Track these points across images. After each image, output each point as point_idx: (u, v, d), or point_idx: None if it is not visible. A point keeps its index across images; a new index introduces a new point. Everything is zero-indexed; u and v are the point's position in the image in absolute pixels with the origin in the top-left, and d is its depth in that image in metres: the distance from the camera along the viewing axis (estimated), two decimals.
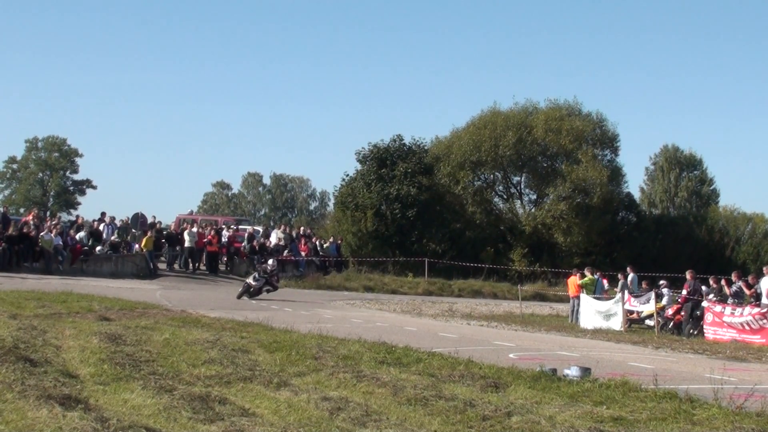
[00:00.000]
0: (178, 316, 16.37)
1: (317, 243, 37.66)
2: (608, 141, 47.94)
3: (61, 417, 6.50)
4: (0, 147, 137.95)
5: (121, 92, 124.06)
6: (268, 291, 25.33)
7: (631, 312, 21.64)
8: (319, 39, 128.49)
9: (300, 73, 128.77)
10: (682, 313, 20.72)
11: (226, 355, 10.83)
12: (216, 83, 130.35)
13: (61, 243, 29.02)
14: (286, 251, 35.16)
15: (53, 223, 31.22)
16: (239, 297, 24.11)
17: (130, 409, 7.33)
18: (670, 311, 21.23)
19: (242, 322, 15.69)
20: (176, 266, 32.71)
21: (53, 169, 79.26)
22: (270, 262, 26.56)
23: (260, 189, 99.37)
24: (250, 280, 25.12)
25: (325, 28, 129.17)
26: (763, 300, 18.78)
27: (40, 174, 79.53)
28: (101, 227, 31.82)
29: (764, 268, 20.38)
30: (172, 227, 35.58)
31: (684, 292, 21.00)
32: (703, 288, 21.55)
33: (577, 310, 23.01)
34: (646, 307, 21.24)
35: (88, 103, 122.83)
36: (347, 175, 44.53)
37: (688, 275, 21.46)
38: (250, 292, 24.61)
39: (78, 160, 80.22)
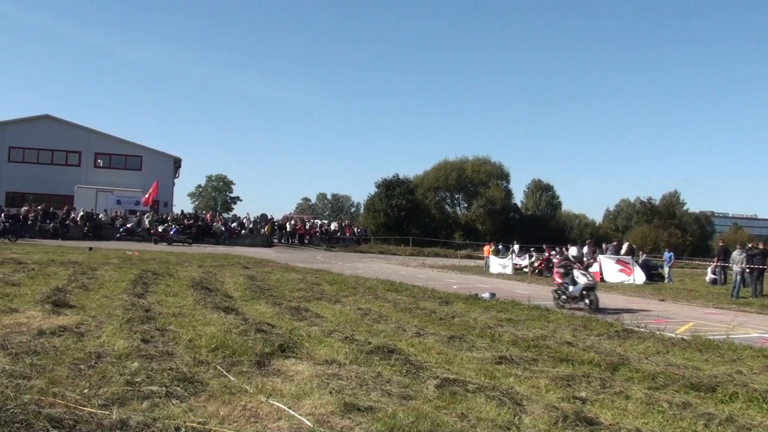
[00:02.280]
0: (283, 266, 16.32)
1: (355, 229, 37.50)
2: (504, 176, 47.53)
3: (224, 317, 6.52)
4: (192, 179, 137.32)
5: (260, 148, 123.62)
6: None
7: (517, 265, 21.51)
8: (355, 122, 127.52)
9: (349, 134, 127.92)
10: (541, 265, 20.53)
11: (308, 286, 10.82)
12: (307, 136, 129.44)
13: (223, 228, 29.03)
14: (339, 233, 35.10)
15: (221, 218, 31.24)
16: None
17: (260, 314, 7.31)
18: (536, 264, 21.04)
19: (316, 269, 15.64)
20: (282, 241, 32.61)
21: (219, 191, 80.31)
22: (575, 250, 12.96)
23: (325, 201, 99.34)
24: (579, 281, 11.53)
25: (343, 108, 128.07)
26: (571, 253, 18.47)
27: (213, 193, 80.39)
28: (244, 221, 31.79)
29: (585, 241, 20.13)
30: (281, 220, 35.55)
31: (546, 254, 20.90)
32: (553, 253, 21.32)
33: (488, 264, 22.85)
34: (524, 261, 21.05)
35: (240, 153, 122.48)
36: (370, 194, 44.29)
37: (544, 247, 21.43)
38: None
39: (233, 185, 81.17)
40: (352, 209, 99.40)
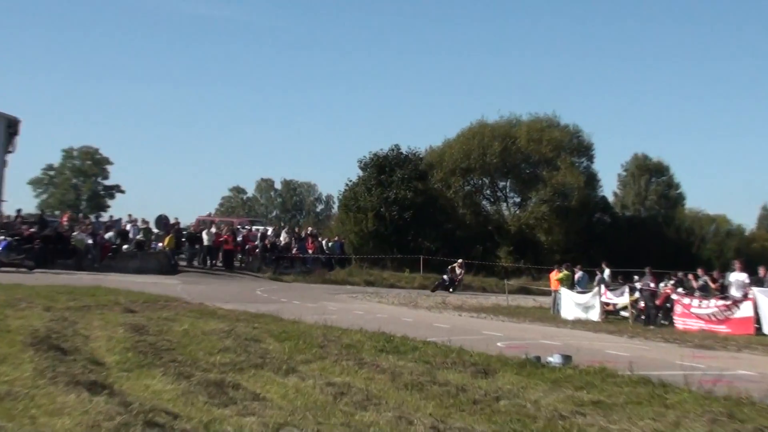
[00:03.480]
0: (196, 308, 16.26)
1: (323, 242, 37.54)
2: (584, 150, 47.99)
3: (87, 401, 6.39)
4: (38, 156, 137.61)
5: (147, 104, 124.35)
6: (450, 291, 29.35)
7: (608, 304, 21.56)
8: (324, 60, 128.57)
9: (310, 85, 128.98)
10: (642, 303, 20.66)
11: (240, 343, 10.73)
12: (233, 96, 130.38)
13: (91, 242, 28.97)
14: (294, 249, 35.14)
15: (85, 224, 31.22)
16: (434, 290, 29.71)
17: (151, 394, 7.22)
18: (642, 302, 21.12)
19: (254, 313, 15.58)
20: (195, 263, 32.62)
21: (86, 176, 79.68)
22: (459, 261, 31.57)
23: (272, 193, 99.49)
24: (444, 277, 30.61)
25: (329, 49, 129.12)
26: (732, 292, 18.64)
27: (74, 180, 79.89)
28: (128, 227, 31.76)
29: (734, 262, 20.34)
30: (192, 228, 35.51)
31: (638, 285, 21.07)
32: (671, 281, 21.48)
33: (558, 303, 22.91)
34: (621, 299, 21.15)
35: (118, 115, 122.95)
36: (350, 180, 44.50)
37: (647, 272, 21.65)
38: (445, 286, 29.97)
39: (109, 167, 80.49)
40: (319, 207, 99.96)
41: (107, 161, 79.93)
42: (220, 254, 33.00)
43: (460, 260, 32.07)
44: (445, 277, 30.82)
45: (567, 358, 10.53)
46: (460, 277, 31.06)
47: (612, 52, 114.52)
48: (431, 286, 30.86)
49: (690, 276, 21.35)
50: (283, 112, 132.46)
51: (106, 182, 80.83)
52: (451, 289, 30.14)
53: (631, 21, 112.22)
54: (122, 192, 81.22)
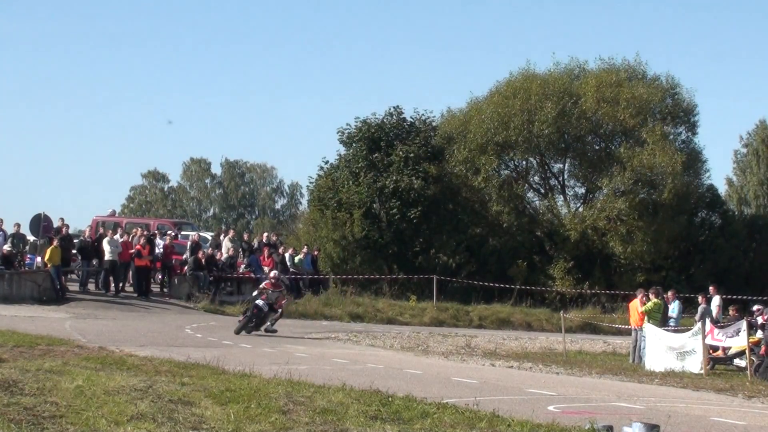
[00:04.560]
0: (95, 355, 16.34)
1: (286, 255, 37.60)
2: (683, 115, 47.95)
3: None
4: None
5: (17, 58, 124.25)
6: (272, 321, 25.27)
7: (716, 348, 21.67)
8: None
9: (261, 27, 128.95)
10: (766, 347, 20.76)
11: (161, 408, 10.81)
12: (149, 48, 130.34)
13: None
14: (243, 267, 35.16)
15: None
16: (238, 332, 24.30)
17: None
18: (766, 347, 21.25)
19: (183, 363, 15.66)
20: (92, 287, 32.67)
21: None
22: (273, 273, 27.48)
23: (208, 181, 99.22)
24: (259, 302, 24.89)
25: None
26: None
27: None
28: None
29: None
30: (87, 233, 35.51)
31: (760, 320, 21.16)
32: None
33: (642, 346, 23.04)
34: (736, 341, 21.20)
35: None
36: (327, 162, 44.90)
37: None
38: (255, 321, 24.87)
39: None
40: (280, 202, 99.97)
41: None
42: (130, 274, 33.10)
43: (273, 272, 28.39)
44: (259, 302, 24.93)
45: (653, 429, 10.66)
46: (282, 300, 25.96)
47: None
48: (239, 325, 24.88)
49: None
50: (222, 64, 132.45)
51: None
52: (266, 324, 25.09)
53: None
54: None
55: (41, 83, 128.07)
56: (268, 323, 24.83)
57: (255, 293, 25.06)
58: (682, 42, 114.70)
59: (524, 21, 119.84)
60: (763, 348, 21.22)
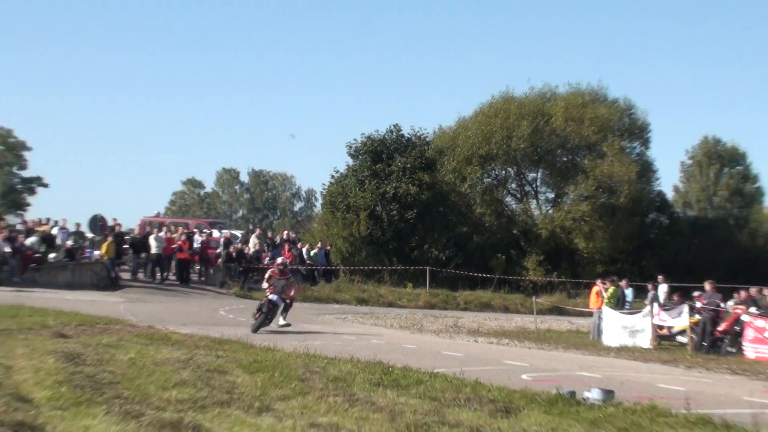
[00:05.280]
0: (144, 332, 16.39)
1: (303, 249, 37.65)
2: (638, 131, 47.98)
3: None
4: None
5: (77, 79, 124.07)
6: (283, 316, 20.88)
7: (661, 327, 21.72)
8: (303, 18, 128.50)
9: (283, 56, 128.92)
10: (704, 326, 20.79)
11: (200, 376, 10.87)
12: (186, 70, 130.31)
13: (9, 250, 28.95)
14: (267, 259, 35.20)
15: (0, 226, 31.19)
16: (256, 330, 19.35)
17: None
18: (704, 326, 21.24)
19: (218, 339, 15.72)
20: (141, 276, 32.73)
21: None
22: (280, 260, 22.69)
23: (237, 187, 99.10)
24: (272, 297, 20.31)
25: (309, 6, 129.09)
26: None
27: None
28: (54, 231, 31.77)
29: None
30: (137, 231, 35.61)
31: (699, 303, 21.18)
32: (742, 299, 21.55)
33: (600, 326, 23.09)
34: (678, 321, 21.25)
35: (37, 90, 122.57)
36: (337, 171, 44.83)
37: (707, 286, 21.69)
38: (270, 317, 20.25)
39: (26, 154, 79.41)
40: (298, 205, 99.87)
41: (24, 146, 78.83)
42: (173, 265, 33.18)
43: (281, 258, 23.53)
44: (272, 297, 20.36)
45: (608, 394, 10.69)
46: (291, 291, 21.21)
47: (674, 8, 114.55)
48: (253, 321, 20.17)
49: (766, 292, 21.50)
50: (251, 86, 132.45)
51: (24, 173, 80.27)
52: (282, 319, 20.85)
53: None
54: (45, 186, 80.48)
55: (99, 106, 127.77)
56: (281, 319, 20.62)
57: (264, 284, 20.91)
58: (639, 68, 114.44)
59: (505, 51, 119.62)
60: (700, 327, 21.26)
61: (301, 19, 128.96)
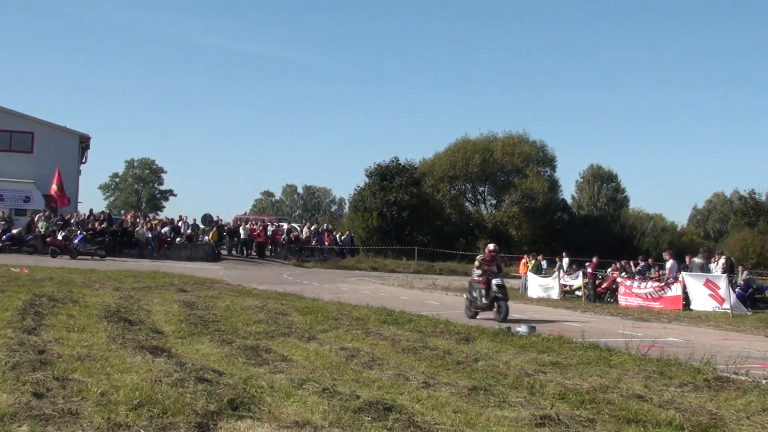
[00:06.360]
0: (235, 288, 16.40)
1: (336, 236, 37.61)
2: (548, 161, 47.98)
3: (150, 362, 6.50)
4: (106, 165, 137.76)
5: (195, 124, 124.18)
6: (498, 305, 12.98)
7: (565, 286, 21.62)
8: (338, 88, 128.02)
9: (326, 108, 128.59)
10: (588, 287, 20.62)
11: (271, 316, 10.82)
12: (264, 118, 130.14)
13: (150, 235, 29.03)
14: (314, 242, 35.23)
15: (146, 220, 31.31)
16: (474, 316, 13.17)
17: (201, 356, 7.31)
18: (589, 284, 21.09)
19: (282, 293, 15.69)
20: (234, 252, 32.71)
21: (145, 182, 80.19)
22: (492, 246, 13.91)
23: (295, 196, 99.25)
24: (498, 281, 13.06)
25: (341, 80, 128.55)
26: (668, 275, 18.71)
27: (136, 185, 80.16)
28: (180, 224, 31.84)
29: (664, 254, 20.44)
30: (231, 224, 35.62)
31: (589, 270, 21.11)
32: (617, 267, 21.48)
33: (526, 284, 22.99)
34: (576, 282, 21.18)
35: (170, 133, 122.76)
36: (358, 186, 44.57)
37: (594, 259, 21.70)
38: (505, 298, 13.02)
39: (163, 175, 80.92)
40: (333, 207, 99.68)
41: (162, 170, 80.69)
42: (254, 245, 33.10)
43: (492, 245, 14.20)
44: (498, 281, 13.22)
45: (532, 329, 10.62)
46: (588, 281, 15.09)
47: (572, 82, 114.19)
48: (467, 312, 13.66)
49: (631, 263, 21.40)
50: (306, 131, 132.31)
51: (161, 187, 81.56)
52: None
53: (586, 54, 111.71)
54: (174, 195, 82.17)
55: (212, 143, 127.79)
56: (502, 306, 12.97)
57: (476, 273, 13.47)
58: (549, 117, 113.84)
59: (465, 107, 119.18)
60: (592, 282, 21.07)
61: (324, 84, 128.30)
